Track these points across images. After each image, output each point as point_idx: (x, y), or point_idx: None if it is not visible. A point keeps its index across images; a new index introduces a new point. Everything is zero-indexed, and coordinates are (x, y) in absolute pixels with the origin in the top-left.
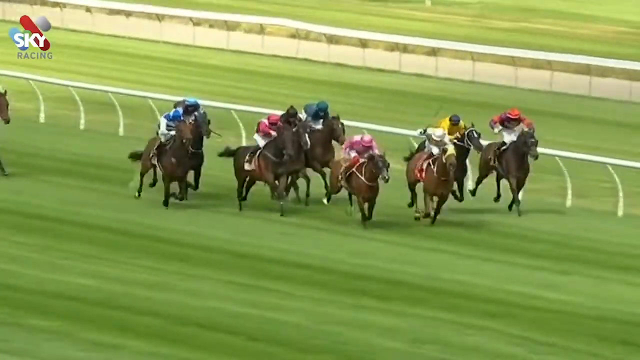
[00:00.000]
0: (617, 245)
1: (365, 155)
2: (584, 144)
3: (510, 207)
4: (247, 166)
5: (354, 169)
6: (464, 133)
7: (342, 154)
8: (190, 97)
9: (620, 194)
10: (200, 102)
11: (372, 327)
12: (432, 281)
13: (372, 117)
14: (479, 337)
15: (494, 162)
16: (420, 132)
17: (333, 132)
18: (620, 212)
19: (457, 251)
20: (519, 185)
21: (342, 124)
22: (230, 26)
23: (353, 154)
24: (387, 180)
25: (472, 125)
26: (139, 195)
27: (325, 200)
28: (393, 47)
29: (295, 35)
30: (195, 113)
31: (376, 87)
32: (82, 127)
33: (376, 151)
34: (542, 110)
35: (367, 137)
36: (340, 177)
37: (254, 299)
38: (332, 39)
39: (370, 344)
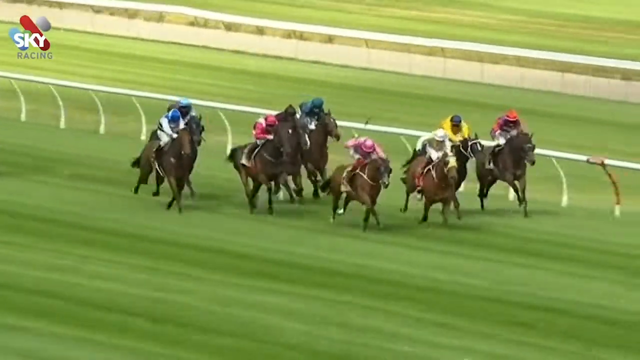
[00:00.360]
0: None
1: (368, 159)
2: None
3: (520, 205)
4: (244, 161)
5: (357, 171)
6: (466, 142)
7: (347, 151)
8: (183, 99)
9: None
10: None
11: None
12: (336, 264)
13: (271, 104)
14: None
15: (489, 164)
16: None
17: (326, 127)
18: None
19: (354, 234)
20: (521, 184)
21: (334, 118)
22: (130, 14)
23: (357, 156)
24: (386, 186)
25: (477, 137)
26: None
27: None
28: (290, 34)
29: (194, 23)
30: (189, 115)
31: (274, 73)
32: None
33: (379, 154)
34: (435, 96)
35: (368, 142)
36: (343, 180)
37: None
38: (230, 27)
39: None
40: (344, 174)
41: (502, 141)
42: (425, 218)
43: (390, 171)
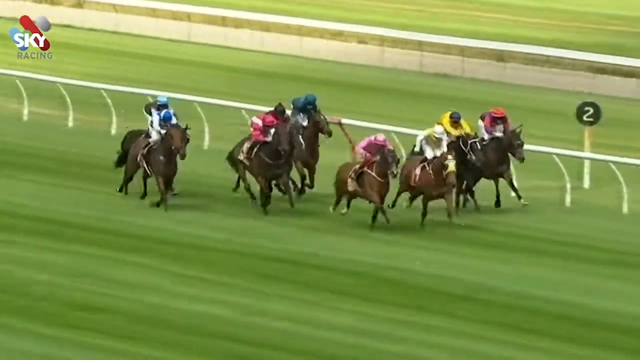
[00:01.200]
0: None
1: (378, 155)
2: (220, 89)
3: (497, 203)
4: (241, 156)
5: (365, 168)
6: (466, 140)
7: (356, 152)
8: (160, 96)
9: None
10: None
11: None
12: (91, 221)
13: (29, 67)
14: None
15: (469, 156)
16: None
17: (317, 124)
18: None
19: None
20: (507, 177)
21: (324, 115)
22: None
23: (367, 154)
24: (395, 176)
25: (476, 135)
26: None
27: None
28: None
29: None
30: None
31: None
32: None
33: (388, 147)
34: (180, 59)
35: (380, 137)
36: (350, 178)
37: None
38: None
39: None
40: (351, 173)
41: (487, 136)
42: (424, 214)
43: (398, 161)
